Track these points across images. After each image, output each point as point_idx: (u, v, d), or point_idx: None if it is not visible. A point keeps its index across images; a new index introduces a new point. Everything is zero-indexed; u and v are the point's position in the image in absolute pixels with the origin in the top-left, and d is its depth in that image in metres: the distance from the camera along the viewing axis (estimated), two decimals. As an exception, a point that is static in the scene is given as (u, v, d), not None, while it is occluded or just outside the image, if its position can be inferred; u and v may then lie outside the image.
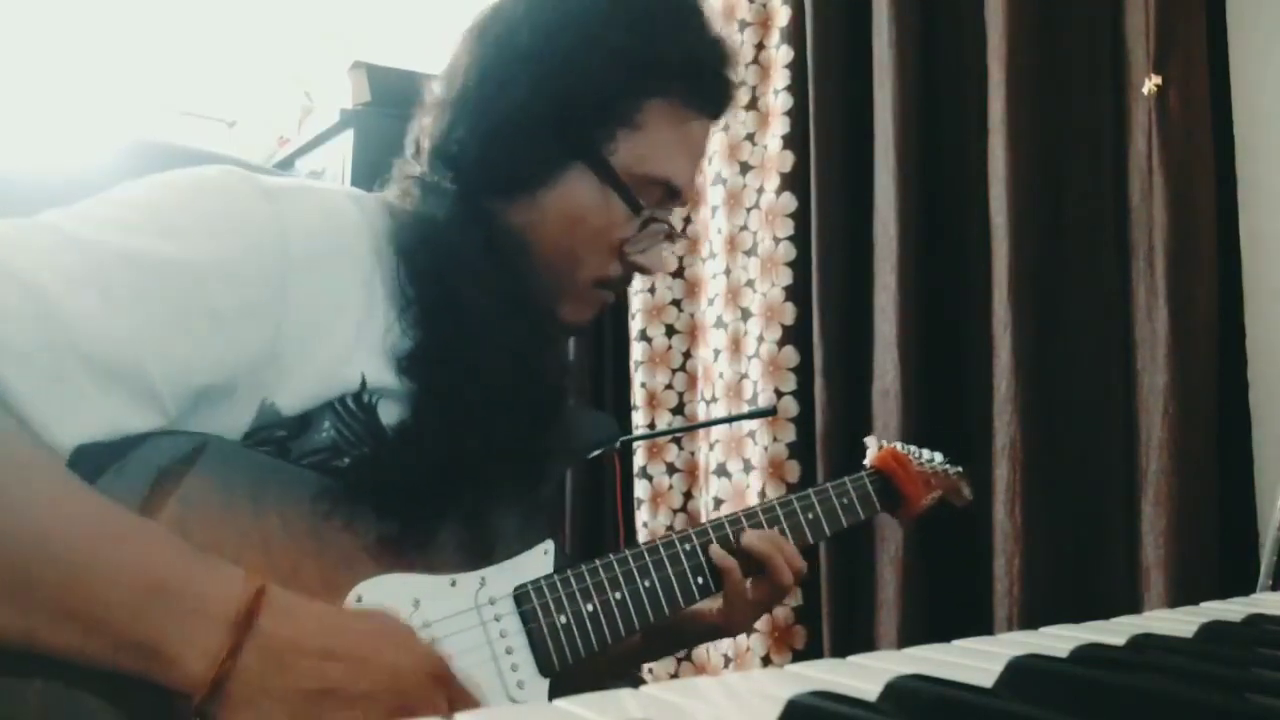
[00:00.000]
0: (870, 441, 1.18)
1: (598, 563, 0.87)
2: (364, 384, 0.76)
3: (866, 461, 1.15)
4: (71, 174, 0.98)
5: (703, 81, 0.89)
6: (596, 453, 0.97)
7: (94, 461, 0.65)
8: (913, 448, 1.18)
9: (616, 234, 0.87)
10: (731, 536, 0.98)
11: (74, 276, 0.65)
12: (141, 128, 3.65)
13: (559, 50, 0.84)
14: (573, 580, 0.85)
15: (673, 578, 0.91)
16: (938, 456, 1.21)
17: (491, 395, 0.79)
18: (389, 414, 0.78)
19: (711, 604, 0.99)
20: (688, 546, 0.94)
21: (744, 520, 0.99)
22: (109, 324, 0.65)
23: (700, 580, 0.93)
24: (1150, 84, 1.34)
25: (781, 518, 1.01)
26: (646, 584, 0.89)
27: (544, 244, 0.86)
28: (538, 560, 0.84)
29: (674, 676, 1.93)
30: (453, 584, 0.79)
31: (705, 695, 0.39)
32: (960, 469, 1.23)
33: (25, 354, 0.62)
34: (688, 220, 2.10)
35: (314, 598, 0.68)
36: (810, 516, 1.03)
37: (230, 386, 0.71)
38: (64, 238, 0.66)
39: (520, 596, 0.82)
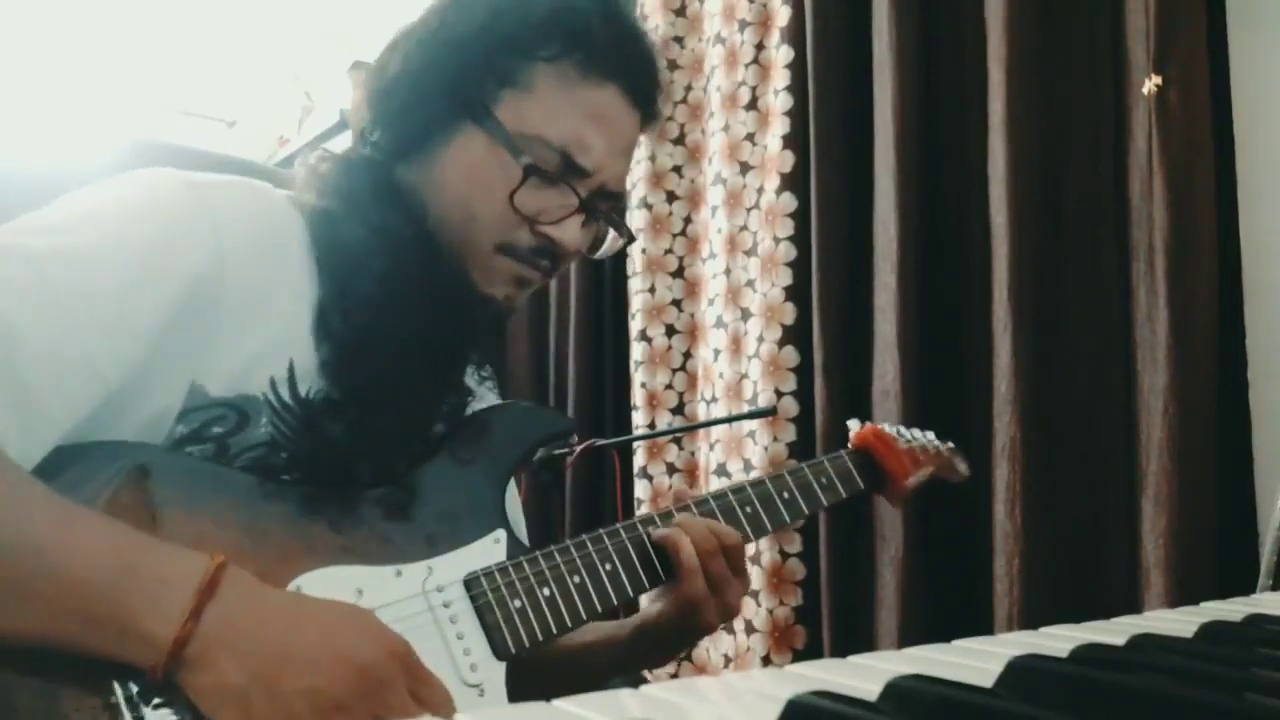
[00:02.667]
0: (853, 423, 1.14)
1: (554, 548, 0.85)
2: (292, 368, 0.79)
3: (849, 443, 1.12)
4: (72, 174, 0.98)
5: (596, 49, 0.87)
6: (545, 450, 0.94)
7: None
8: (900, 427, 1.15)
9: (508, 189, 0.85)
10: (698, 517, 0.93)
11: (22, 286, 0.68)
12: (141, 128, 3.65)
13: (444, 15, 0.88)
14: (527, 566, 0.83)
15: (635, 559, 0.89)
16: (927, 434, 1.18)
17: (390, 330, 0.82)
18: (321, 401, 0.81)
19: (671, 607, 0.94)
20: (651, 527, 0.91)
21: (711, 501, 0.95)
22: (58, 325, 0.69)
23: (664, 560, 0.90)
24: (1150, 84, 1.34)
25: (753, 497, 0.97)
26: (608, 567, 0.87)
27: (440, 202, 0.87)
28: (489, 549, 0.83)
29: (674, 676, 1.93)
30: (398, 574, 0.78)
31: (705, 695, 0.39)
32: (952, 444, 1.20)
33: None
34: (688, 220, 2.11)
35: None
36: (785, 496, 0.99)
37: (163, 365, 0.74)
38: (6, 251, 0.70)
39: (470, 582, 0.80)
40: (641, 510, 2.03)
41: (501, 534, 0.84)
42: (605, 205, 0.93)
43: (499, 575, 0.81)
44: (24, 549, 0.61)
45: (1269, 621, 0.55)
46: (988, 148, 1.50)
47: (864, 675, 0.39)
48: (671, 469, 2.04)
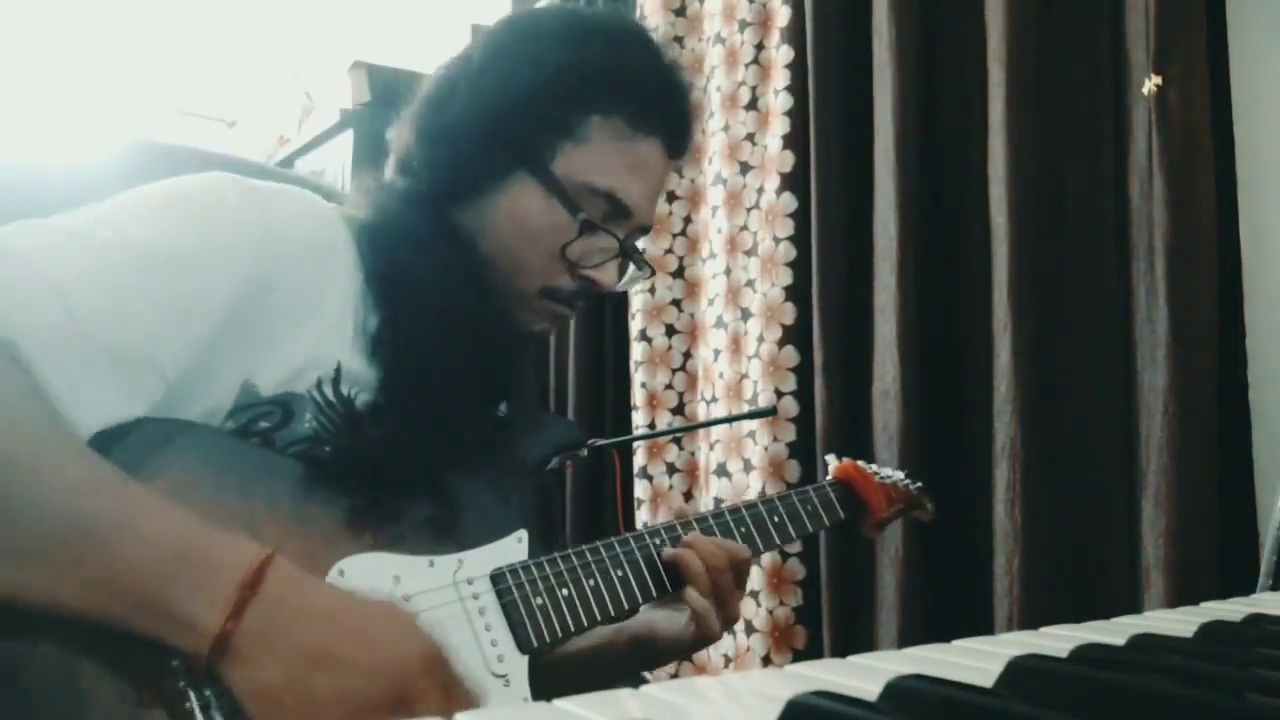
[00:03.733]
0: (830, 458, 1.22)
1: (571, 551, 0.90)
2: (339, 371, 0.82)
3: (828, 475, 1.19)
4: (72, 174, 0.98)
5: (645, 103, 0.93)
6: (557, 461, 0.99)
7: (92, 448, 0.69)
8: (873, 465, 1.22)
9: (558, 240, 0.90)
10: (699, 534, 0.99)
11: (88, 273, 0.71)
12: (141, 128, 3.65)
13: (502, 64, 0.92)
14: (547, 565, 0.88)
15: (644, 569, 0.94)
16: (898, 473, 1.25)
17: (444, 357, 0.86)
18: (365, 403, 0.84)
19: (675, 617, 0.99)
20: (657, 540, 0.96)
21: (710, 520, 1.01)
22: (122, 314, 0.71)
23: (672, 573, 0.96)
24: (1150, 84, 1.34)
25: (747, 518, 1.04)
26: (619, 573, 0.92)
27: (490, 247, 0.91)
28: (512, 548, 0.88)
29: (674, 676, 1.94)
30: (431, 564, 0.82)
31: (705, 695, 0.39)
32: (920, 484, 1.27)
33: (53, 348, 0.68)
34: (688, 220, 2.10)
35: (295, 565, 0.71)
36: (775, 520, 1.06)
37: (219, 363, 0.77)
38: (75, 238, 0.73)
39: (497, 577, 0.85)
40: (641, 510, 2.03)
41: (523, 534, 0.89)
42: (635, 241, 0.98)
43: (523, 572, 0.86)
44: (77, 524, 0.63)
45: (1269, 621, 0.55)
46: (988, 148, 1.50)
47: (864, 675, 0.39)
48: (671, 469, 2.04)
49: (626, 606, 0.92)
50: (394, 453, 0.82)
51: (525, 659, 0.83)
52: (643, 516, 2.03)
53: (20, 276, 0.69)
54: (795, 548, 1.75)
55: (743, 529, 1.03)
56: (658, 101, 0.94)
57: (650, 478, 2.03)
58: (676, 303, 2.09)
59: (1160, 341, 1.31)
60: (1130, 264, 1.38)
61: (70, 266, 0.71)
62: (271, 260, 0.80)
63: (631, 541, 0.95)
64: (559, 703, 0.36)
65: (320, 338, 0.82)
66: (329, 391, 0.81)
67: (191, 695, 0.65)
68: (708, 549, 0.96)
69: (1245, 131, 1.37)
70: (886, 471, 1.23)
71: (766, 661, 1.74)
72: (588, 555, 0.91)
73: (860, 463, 1.20)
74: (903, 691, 0.36)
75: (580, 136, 0.90)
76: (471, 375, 0.88)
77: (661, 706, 0.36)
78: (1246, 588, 1.11)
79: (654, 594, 0.94)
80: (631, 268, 1.01)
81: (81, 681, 0.63)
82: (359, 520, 0.79)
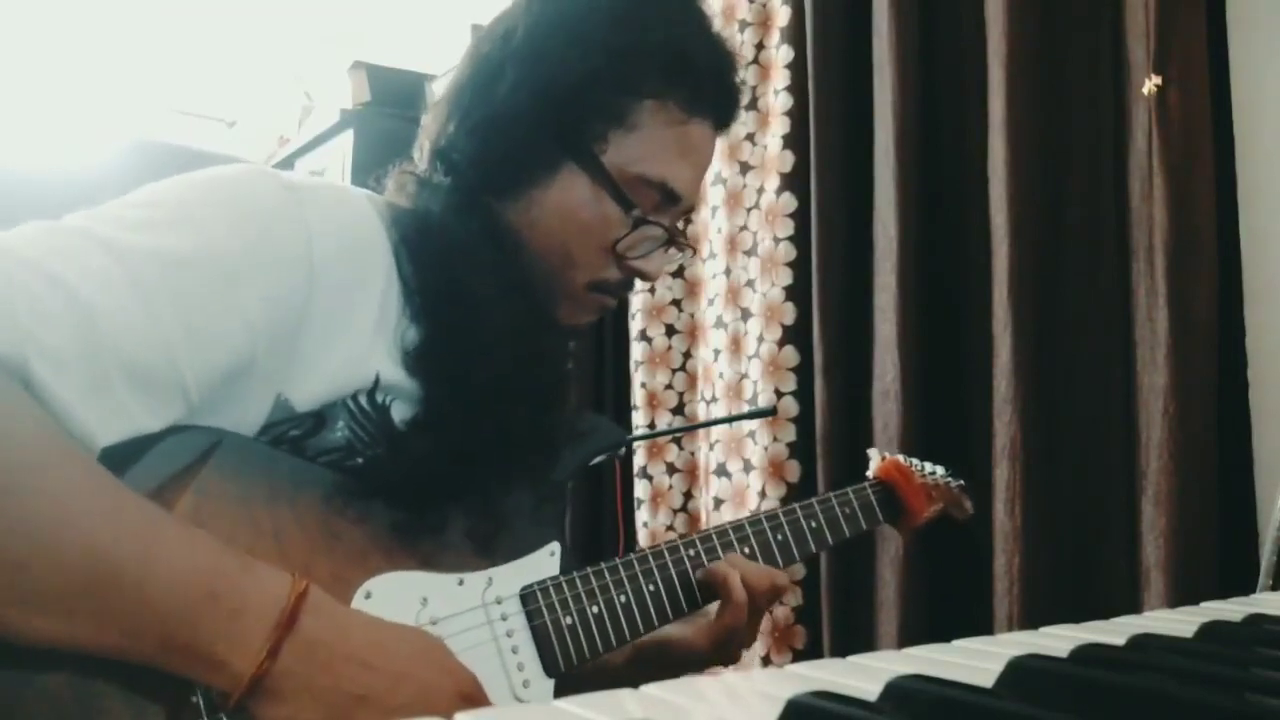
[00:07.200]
0: (873, 453, 1.17)
1: (603, 565, 0.88)
2: (378, 382, 0.76)
3: (869, 472, 1.14)
4: (72, 174, 0.98)
5: (699, 83, 0.87)
6: (600, 458, 0.96)
7: (112, 459, 0.65)
8: (915, 460, 1.18)
9: (609, 235, 0.85)
10: (736, 545, 0.96)
11: (111, 280, 0.65)
12: (141, 128, 3.65)
13: (551, 48, 0.85)
14: (578, 582, 0.85)
15: (676, 582, 0.91)
16: (940, 469, 1.20)
17: (495, 378, 0.80)
18: (401, 414, 0.78)
19: (696, 631, 0.97)
20: (691, 552, 0.93)
21: (747, 527, 0.98)
22: (146, 327, 0.66)
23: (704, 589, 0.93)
24: (1150, 84, 1.34)
25: (784, 524, 1.00)
26: (651, 588, 0.89)
27: (538, 242, 0.85)
28: (544, 561, 0.85)
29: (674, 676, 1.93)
30: (460, 583, 0.79)
31: (705, 695, 0.39)
32: (962, 482, 1.22)
33: (67, 361, 0.62)
34: (688, 220, 2.10)
35: (326, 593, 0.68)
36: (813, 525, 1.02)
37: (250, 378, 0.71)
38: (98, 241, 0.66)
39: (526, 596, 0.82)
40: (641, 510, 2.03)
41: (556, 547, 0.86)
42: (679, 221, 0.93)
43: (553, 591, 0.84)
44: (97, 567, 0.59)
45: (1269, 621, 0.55)
46: (988, 148, 1.50)
47: (864, 675, 0.39)
48: (671, 469, 2.04)
49: (657, 623, 0.89)
50: (434, 468, 0.77)
51: (551, 683, 0.81)
52: (642, 516, 2.03)
53: (30, 283, 0.62)
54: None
55: (779, 537, 0.99)
56: (711, 81, 0.88)
57: (650, 478, 2.03)
58: (676, 303, 2.09)
59: (1160, 341, 1.31)
60: (1130, 264, 1.38)
61: (90, 272, 0.64)
62: (311, 271, 0.73)
63: (666, 554, 0.92)
64: (559, 702, 0.36)
65: (358, 349, 0.76)
66: (364, 400, 0.76)
67: None
68: (753, 575, 0.92)
69: (1245, 131, 1.37)
70: (929, 468, 1.18)
71: (766, 661, 1.74)
72: (620, 570, 0.88)
73: (901, 458, 1.14)
74: (903, 691, 0.36)
75: (630, 123, 0.84)
76: (518, 393, 0.82)
77: (661, 706, 0.36)
78: (1246, 588, 1.11)
79: (685, 610, 0.91)
80: (673, 250, 0.95)
81: (93, 711, 0.61)
82: (393, 535, 0.76)
